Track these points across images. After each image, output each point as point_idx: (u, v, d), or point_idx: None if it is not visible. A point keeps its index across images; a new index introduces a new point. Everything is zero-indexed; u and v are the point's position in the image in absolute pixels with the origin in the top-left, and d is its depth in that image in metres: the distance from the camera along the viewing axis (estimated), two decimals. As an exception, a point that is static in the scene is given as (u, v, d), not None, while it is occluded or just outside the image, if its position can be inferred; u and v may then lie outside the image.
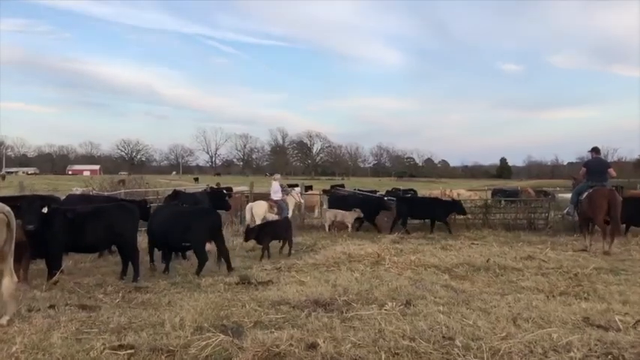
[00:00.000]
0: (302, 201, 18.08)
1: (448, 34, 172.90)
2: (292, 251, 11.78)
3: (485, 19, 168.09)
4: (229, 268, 9.41)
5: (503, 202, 23.00)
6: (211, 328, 5.71)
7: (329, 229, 16.34)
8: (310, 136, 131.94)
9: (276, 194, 15.91)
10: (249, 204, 16.63)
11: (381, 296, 7.35)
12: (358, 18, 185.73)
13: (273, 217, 15.51)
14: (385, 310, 6.48)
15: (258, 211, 15.57)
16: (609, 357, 4.68)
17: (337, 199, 18.81)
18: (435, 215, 16.62)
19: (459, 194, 28.22)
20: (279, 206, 15.64)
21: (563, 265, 9.77)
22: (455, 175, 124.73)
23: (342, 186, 43.95)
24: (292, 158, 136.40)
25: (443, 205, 17.35)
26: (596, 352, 4.84)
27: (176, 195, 12.88)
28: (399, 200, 17.70)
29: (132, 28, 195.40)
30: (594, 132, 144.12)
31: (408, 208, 16.84)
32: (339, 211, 16.64)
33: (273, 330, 5.71)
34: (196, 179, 79.67)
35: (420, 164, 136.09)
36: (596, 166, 12.87)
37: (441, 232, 15.91)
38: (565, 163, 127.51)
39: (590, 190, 12.44)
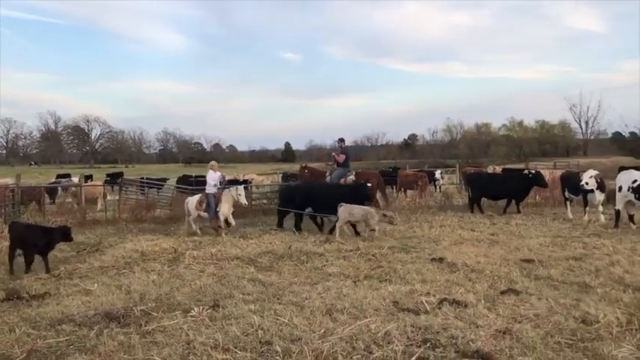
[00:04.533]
0: (245, 202, 14.20)
1: (231, 21, 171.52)
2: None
3: (266, 8, 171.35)
4: None
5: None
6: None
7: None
8: (88, 121, 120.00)
9: (211, 187, 12.95)
10: (188, 198, 14.01)
11: (184, 300, 6.60)
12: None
13: (203, 214, 12.97)
14: (191, 316, 5.77)
15: (191, 208, 13.20)
16: (428, 345, 4.66)
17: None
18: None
19: (252, 179, 28.37)
20: (208, 202, 12.85)
21: (360, 246, 10.05)
22: (243, 159, 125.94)
23: (122, 174, 40.35)
24: (67, 145, 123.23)
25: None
26: (415, 339, 4.81)
27: None
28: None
29: None
30: (365, 118, 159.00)
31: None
32: (364, 207, 11.70)
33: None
34: None
35: (208, 149, 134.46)
36: (352, 153, 15.55)
37: (240, 218, 15.27)
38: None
39: (353, 174, 15.18)
